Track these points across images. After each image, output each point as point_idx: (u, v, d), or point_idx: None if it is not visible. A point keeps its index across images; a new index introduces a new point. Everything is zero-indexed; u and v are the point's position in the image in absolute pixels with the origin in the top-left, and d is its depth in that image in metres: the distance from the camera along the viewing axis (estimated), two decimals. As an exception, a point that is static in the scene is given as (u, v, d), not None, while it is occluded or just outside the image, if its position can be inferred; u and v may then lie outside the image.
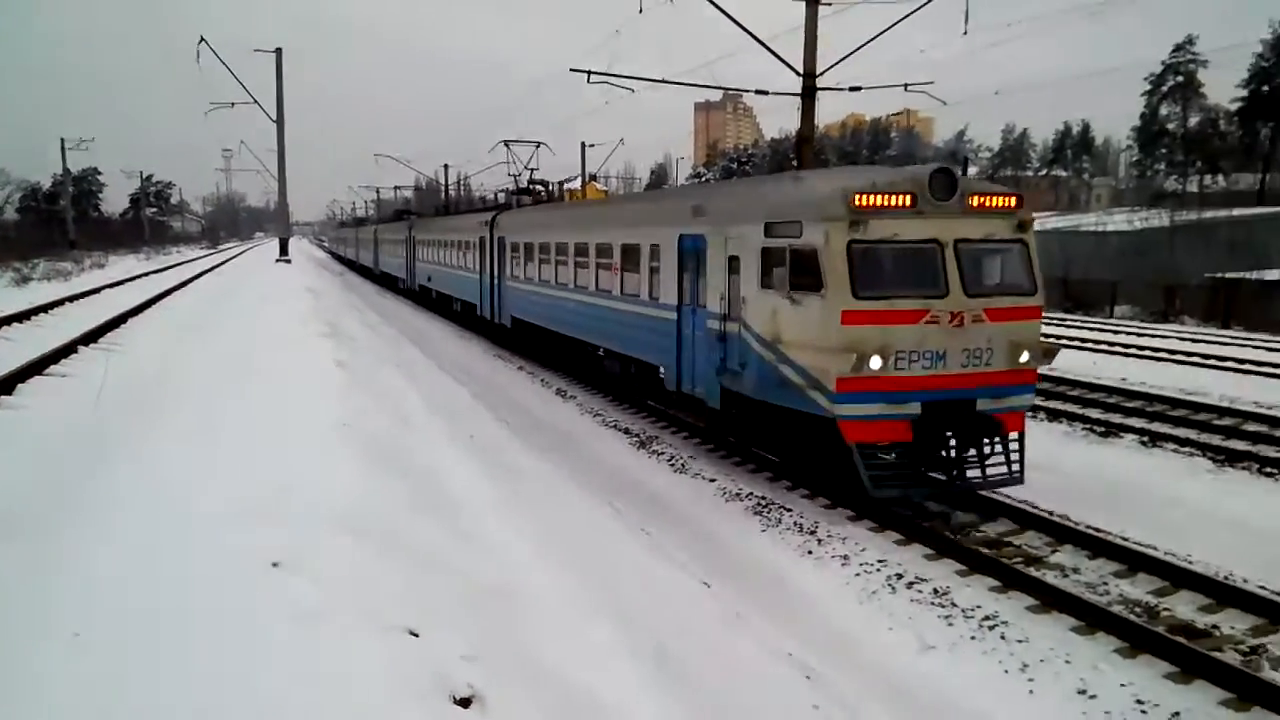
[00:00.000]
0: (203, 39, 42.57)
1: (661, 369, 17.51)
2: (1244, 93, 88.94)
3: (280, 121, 47.84)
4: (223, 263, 73.61)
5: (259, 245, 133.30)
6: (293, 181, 50.46)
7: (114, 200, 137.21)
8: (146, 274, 54.02)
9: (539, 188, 36.84)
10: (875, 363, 11.23)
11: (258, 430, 10.01)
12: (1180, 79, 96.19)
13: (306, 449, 9.27)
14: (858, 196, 11.45)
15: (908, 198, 11.64)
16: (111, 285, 42.04)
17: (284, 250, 53.46)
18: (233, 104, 48.76)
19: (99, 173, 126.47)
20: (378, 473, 9.27)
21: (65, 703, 4.46)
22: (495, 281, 29.24)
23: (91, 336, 21.16)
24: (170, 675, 4.59)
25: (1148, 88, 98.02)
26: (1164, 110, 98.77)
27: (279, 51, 46.90)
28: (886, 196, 11.55)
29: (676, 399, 16.78)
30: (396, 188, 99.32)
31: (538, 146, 41.47)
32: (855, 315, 11.35)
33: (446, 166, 78.77)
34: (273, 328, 20.55)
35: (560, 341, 23.53)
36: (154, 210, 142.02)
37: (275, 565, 5.75)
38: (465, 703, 4.68)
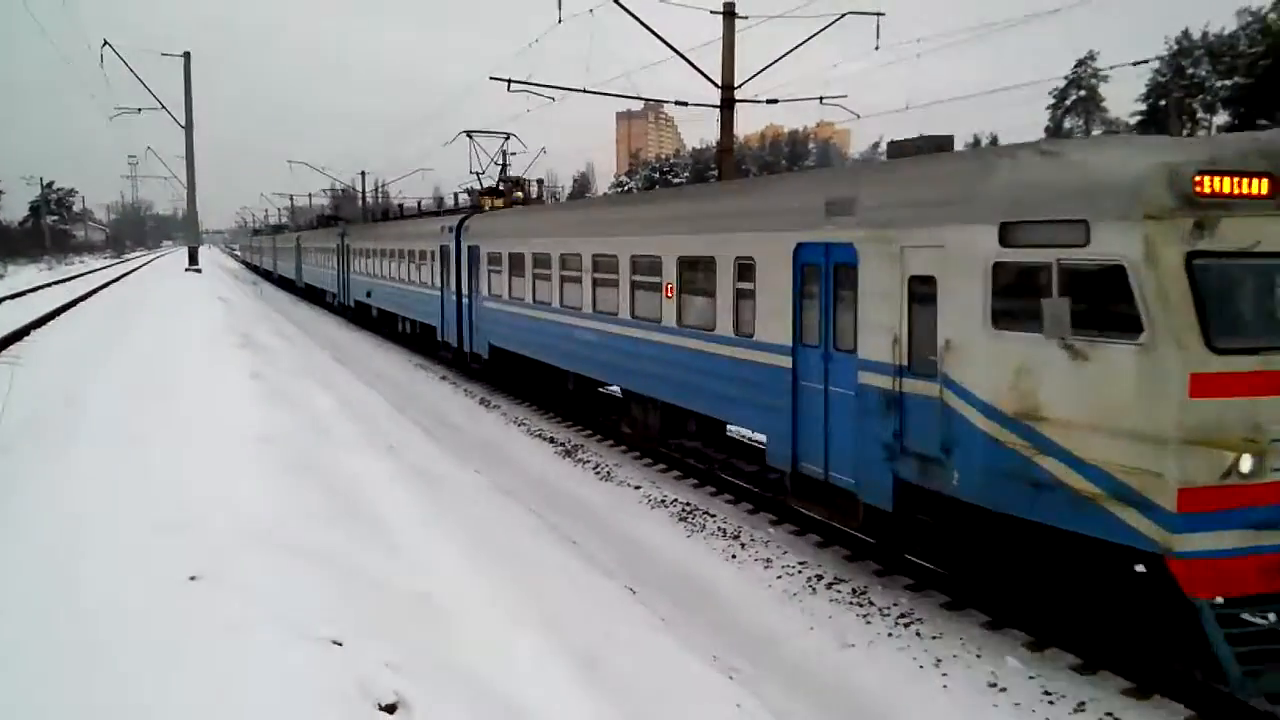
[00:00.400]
0: (106, 42, 41.38)
1: (759, 435, 13.06)
2: (1142, 106, 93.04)
3: (189, 127, 46.73)
4: (129, 272, 71.23)
5: (167, 254, 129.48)
6: (202, 188, 49.48)
7: (13, 208, 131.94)
8: (49, 284, 52.01)
9: (514, 189, 30.31)
10: (1247, 464, 7.09)
11: (172, 444, 9.79)
12: (1083, 93, 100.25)
13: (222, 462, 9.11)
14: (1202, 179, 7.26)
15: (1263, 182, 7.37)
16: (12, 296, 40.43)
17: (194, 259, 52.32)
18: (139, 109, 47.54)
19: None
20: (296, 484, 9.15)
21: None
22: (465, 300, 23.87)
23: (-9, 349, 20.33)
24: (97, 687, 4.50)
25: (1052, 101, 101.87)
26: (1068, 123, 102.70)
27: (187, 55, 45.84)
28: (1237, 180, 7.31)
29: (792, 481, 11.60)
30: (311, 195, 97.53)
31: (507, 138, 35.47)
32: (1211, 381, 7.09)
33: (364, 174, 77.48)
34: (185, 340, 20.03)
35: (562, 379, 19.31)
36: (55, 218, 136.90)
37: (193, 579, 5.66)
38: (391, 709, 4.69)
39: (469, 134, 34.18)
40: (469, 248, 23.79)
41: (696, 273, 13.54)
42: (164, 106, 46.26)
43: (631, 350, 15.40)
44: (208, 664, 4.59)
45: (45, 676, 4.69)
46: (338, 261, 43.14)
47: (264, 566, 6.32)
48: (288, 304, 51.74)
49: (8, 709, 4.41)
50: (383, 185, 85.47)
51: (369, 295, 36.13)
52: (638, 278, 15.15)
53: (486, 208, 27.95)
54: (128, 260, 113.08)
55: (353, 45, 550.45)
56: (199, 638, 4.85)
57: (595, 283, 16.64)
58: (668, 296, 14.21)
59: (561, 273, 18.05)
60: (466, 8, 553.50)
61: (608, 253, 16.14)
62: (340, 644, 5.22)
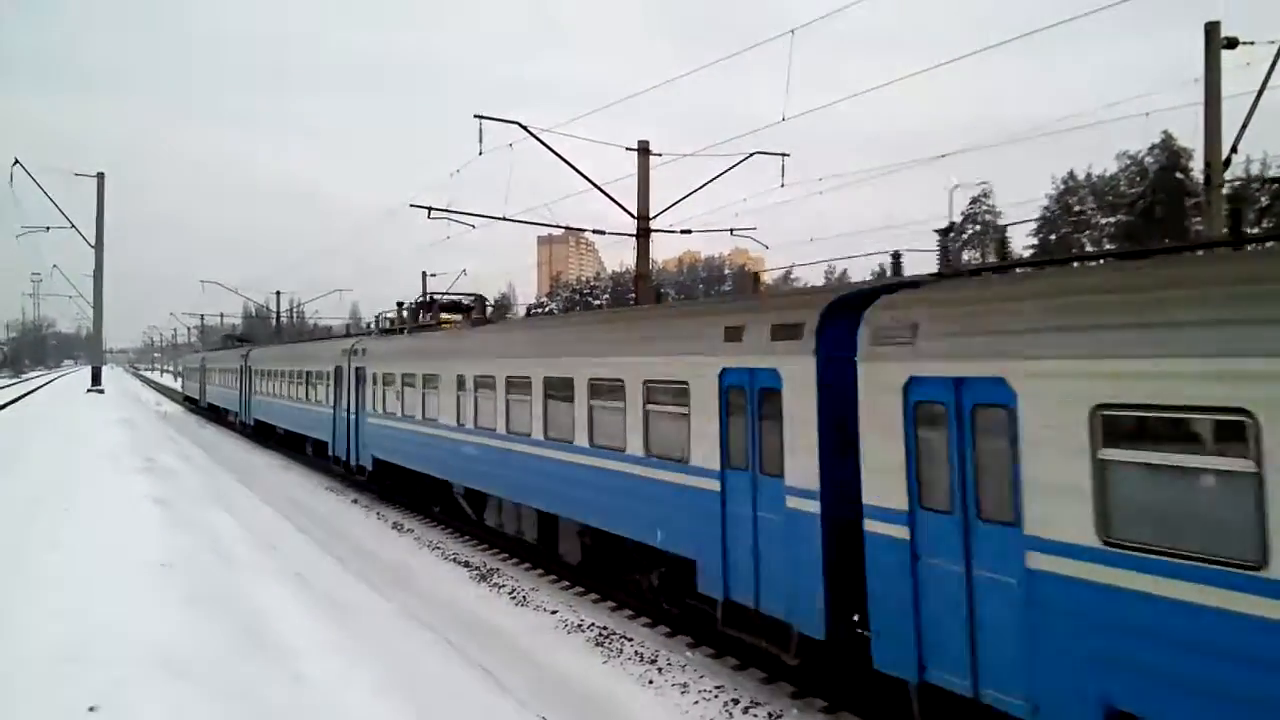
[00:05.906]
0: (17, 160, 41.37)
1: None
2: (1034, 240, 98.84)
3: (99, 246, 46.28)
4: (28, 393, 68.55)
5: (68, 374, 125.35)
6: (107, 307, 48.33)
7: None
8: (-64, 406, 49.70)
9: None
10: None
11: (71, 571, 9.42)
12: (979, 228, 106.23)
13: (123, 590, 8.79)
14: None
15: None
16: (-105, 417, 38.54)
17: (96, 379, 51.11)
18: (48, 228, 47.10)
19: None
20: (198, 612, 8.87)
21: None
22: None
23: None
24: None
25: (953, 235, 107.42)
26: (965, 256, 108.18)
27: (101, 176, 45.76)
28: None
29: None
30: (222, 314, 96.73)
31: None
32: None
33: (279, 293, 76.92)
34: (85, 462, 19.36)
35: None
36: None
37: (92, 710, 5.44)
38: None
39: None
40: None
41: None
42: (74, 225, 45.89)
43: None
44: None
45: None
46: (344, 394, 27.10)
47: (163, 695, 6.10)
48: (194, 425, 49.96)
49: None
50: (298, 305, 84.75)
51: (427, 459, 21.24)
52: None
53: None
54: (26, 380, 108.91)
55: (268, 171, 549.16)
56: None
57: None
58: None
59: None
60: (371, 131, 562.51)
61: None
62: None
